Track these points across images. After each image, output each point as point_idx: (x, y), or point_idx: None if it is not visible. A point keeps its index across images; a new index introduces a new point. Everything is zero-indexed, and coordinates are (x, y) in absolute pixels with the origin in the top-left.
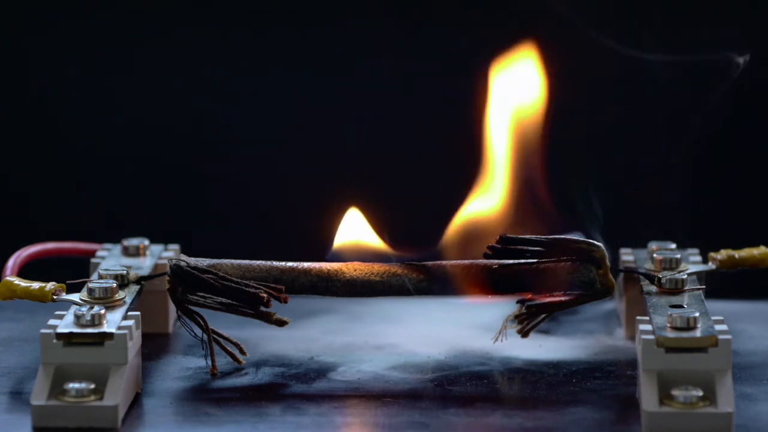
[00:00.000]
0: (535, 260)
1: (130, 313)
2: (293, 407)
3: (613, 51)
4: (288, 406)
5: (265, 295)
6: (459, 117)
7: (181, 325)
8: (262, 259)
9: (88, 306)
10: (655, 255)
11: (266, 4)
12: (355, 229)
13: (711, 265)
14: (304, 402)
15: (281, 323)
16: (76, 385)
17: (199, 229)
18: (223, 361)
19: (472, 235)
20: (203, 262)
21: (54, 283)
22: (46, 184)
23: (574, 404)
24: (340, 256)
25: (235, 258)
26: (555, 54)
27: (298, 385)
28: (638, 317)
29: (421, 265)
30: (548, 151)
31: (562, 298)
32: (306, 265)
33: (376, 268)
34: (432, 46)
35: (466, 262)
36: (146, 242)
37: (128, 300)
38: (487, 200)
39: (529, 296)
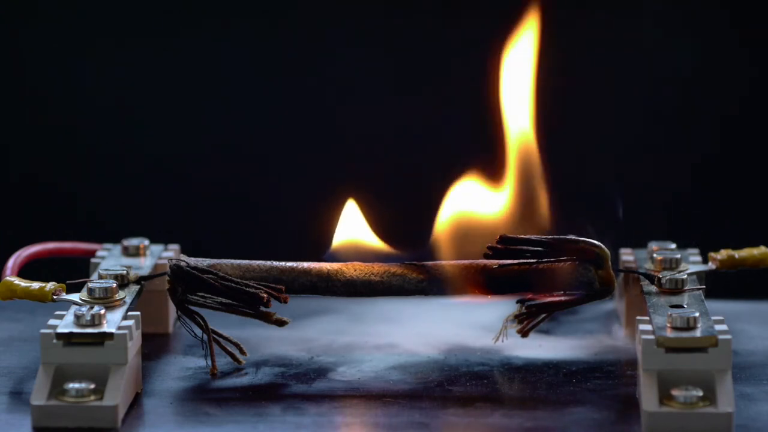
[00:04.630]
0: (534, 260)
1: (130, 313)
2: (293, 407)
3: (613, 51)
4: (288, 406)
5: (265, 295)
6: (460, 115)
7: (181, 325)
8: (262, 259)
9: (88, 306)
10: (655, 255)
11: (263, 5)
12: (353, 228)
13: (711, 265)
14: (304, 402)
15: (281, 323)
16: (76, 385)
17: (199, 229)
18: (223, 361)
19: (465, 230)
20: (203, 262)
21: (54, 283)
22: (46, 184)
23: (574, 404)
24: (337, 256)
25: (235, 258)
26: (555, 51)
27: (298, 385)
28: (638, 317)
29: (420, 265)
30: (549, 153)
31: (562, 298)
32: (306, 265)
33: (376, 268)
34: (430, 43)
35: (466, 262)
36: (146, 242)
37: (128, 300)
38: (490, 198)
39: (529, 296)
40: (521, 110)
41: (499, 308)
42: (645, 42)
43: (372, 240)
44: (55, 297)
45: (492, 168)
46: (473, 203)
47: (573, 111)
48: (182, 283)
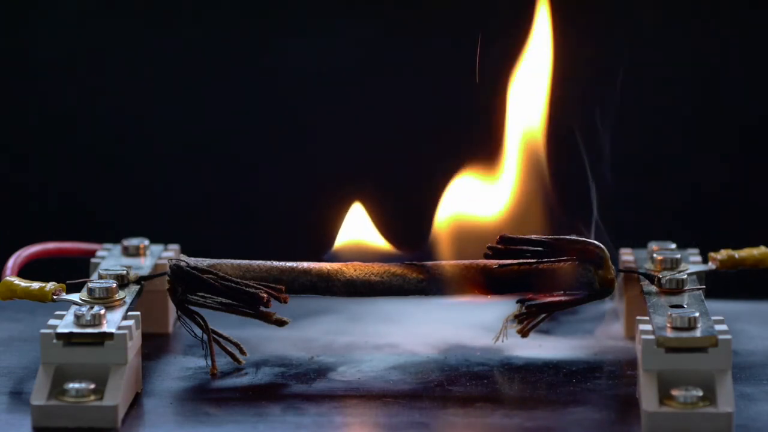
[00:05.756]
0: (534, 260)
1: (130, 313)
2: (293, 407)
3: (612, 50)
4: (288, 406)
5: (265, 295)
6: (461, 115)
7: (181, 325)
8: (262, 259)
9: (88, 306)
10: (655, 255)
11: (265, 5)
12: (356, 228)
13: (711, 265)
14: (304, 402)
15: (281, 323)
16: (76, 385)
17: (199, 229)
18: (223, 361)
19: (465, 230)
20: (203, 262)
21: (54, 283)
22: (46, 184)
23: (574, 404)
24: (337, 256)
25: (235, 258)
26: (558, 54)
27: (298, 385)
28: (638, 317)
29: (420, 265)
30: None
31: (562, 298)
32: (306, 265)
33: (376, 268)
34: (433, 43)
35: (466, 262)
36: (146, 242)
37: (128, 300)
38: (492, 197)
39: (529, 296)
40: (527, 109)
41: (499, 308)
42: (649, 43)
43: (377, 240)
44: (55, 297)
45: (493, 165)
46: (472, 202)
47: (572, 111)
48: (182, 283)
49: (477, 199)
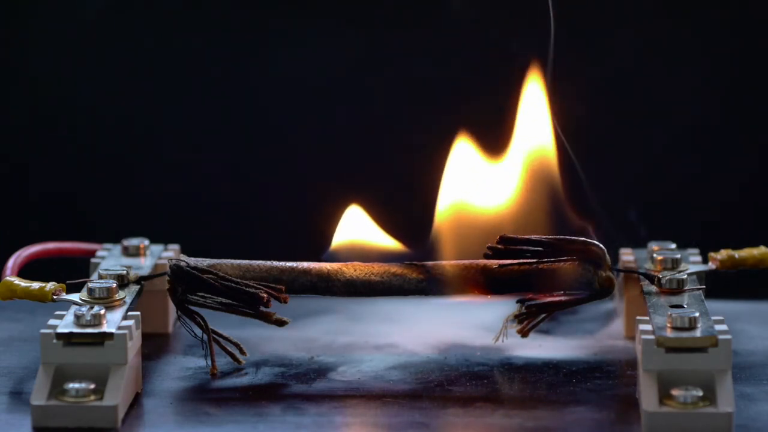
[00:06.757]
0: (534, 260)
1: (130, 313)
2: (293, 407)
3: (611, 50)
4: (288, 406)
5: (265, 295)
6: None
7: (181, 325)
8: (262, 259)
9: (88, 306)
10: (655, 255)
11: (265, 8)
12: (354, 228)
13: (711, 265)
14: (304, 402)
15: (281, 323)
16: (76, 385)
17: (199, 229)
18: (223, 361)
19: (466, 226)
20: (203, 262)
21: (54, 283)
22: (46, 184)
23: (574, 404)
24: (337, 256)
25: (235, 258)
26: (556, 51)
27: (298, 385)
28: (638, 317)
29: (420, 265)
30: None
31: (562, 298)
32: (306, 265)
33: (376, 268)
34: (435, 43)
35: (466, 262)
36: (146, 242)
37: (128, 300)
38: (496, 196)
39: (529, 296)
40: (533, 109)
41: (499, 308)
42: (653, 47)
43: (377, 238)
44: (55, 297)
45: (497, 157)
46: (474, 188)
47: (573, 111)
48: (182, 283)
49: (479, 186)
